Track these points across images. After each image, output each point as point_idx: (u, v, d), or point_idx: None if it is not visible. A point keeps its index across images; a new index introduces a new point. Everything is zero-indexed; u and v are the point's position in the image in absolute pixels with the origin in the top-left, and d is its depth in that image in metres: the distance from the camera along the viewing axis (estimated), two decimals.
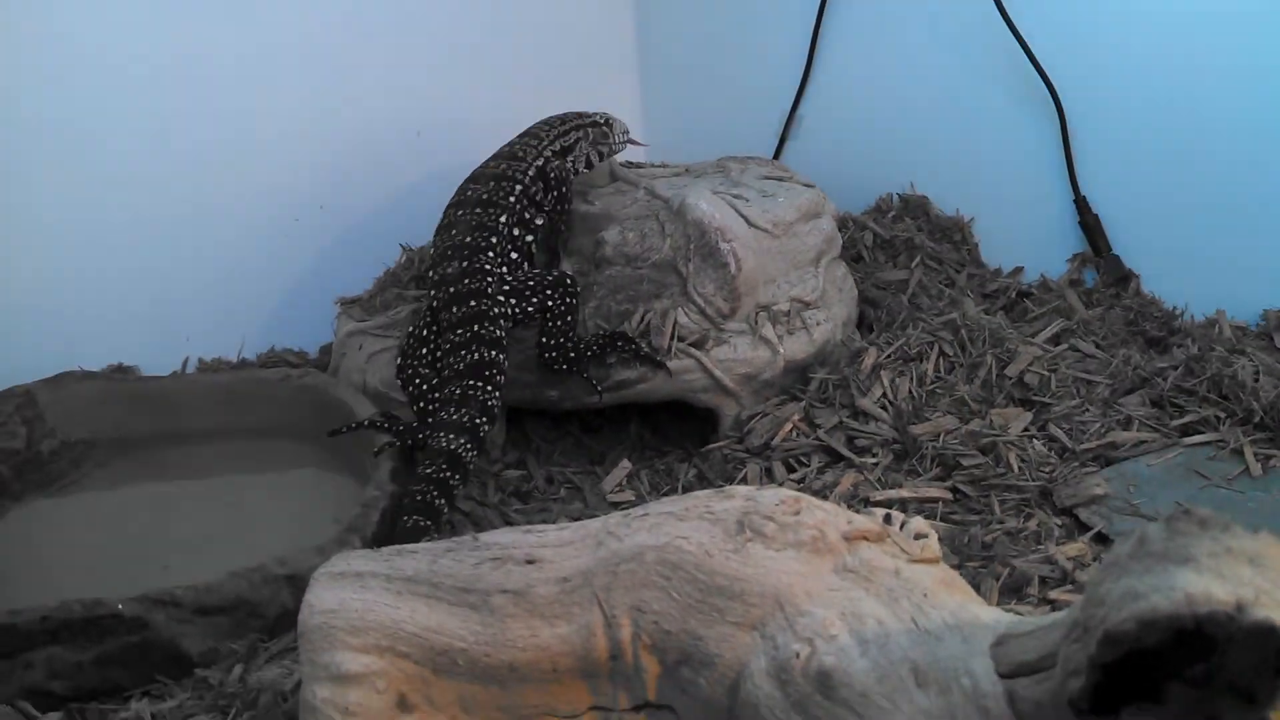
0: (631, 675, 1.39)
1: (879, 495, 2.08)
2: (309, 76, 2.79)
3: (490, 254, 2.31)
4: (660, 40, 3.38)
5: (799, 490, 2.06)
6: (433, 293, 2.32)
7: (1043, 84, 2.60)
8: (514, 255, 2.36)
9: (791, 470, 2.22)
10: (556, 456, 2.44)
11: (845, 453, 2.20)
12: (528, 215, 2.41)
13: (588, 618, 1.40)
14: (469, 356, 2.17)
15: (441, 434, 2.08)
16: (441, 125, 2.88)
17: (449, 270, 2.29)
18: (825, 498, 2.07)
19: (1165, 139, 2.50)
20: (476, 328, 2.20)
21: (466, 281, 2.26)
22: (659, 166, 2.79)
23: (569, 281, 2.30)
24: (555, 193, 2.45)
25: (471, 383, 2.15)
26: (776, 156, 3.12)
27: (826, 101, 3.06)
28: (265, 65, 2.73)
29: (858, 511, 1.57)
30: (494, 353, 2.18)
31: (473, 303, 2.23)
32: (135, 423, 2.47)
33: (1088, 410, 2.24)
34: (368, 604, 1.42)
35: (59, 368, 2.51)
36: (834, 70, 3.02)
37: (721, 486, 1.92)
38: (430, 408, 2.24)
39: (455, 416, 2.11)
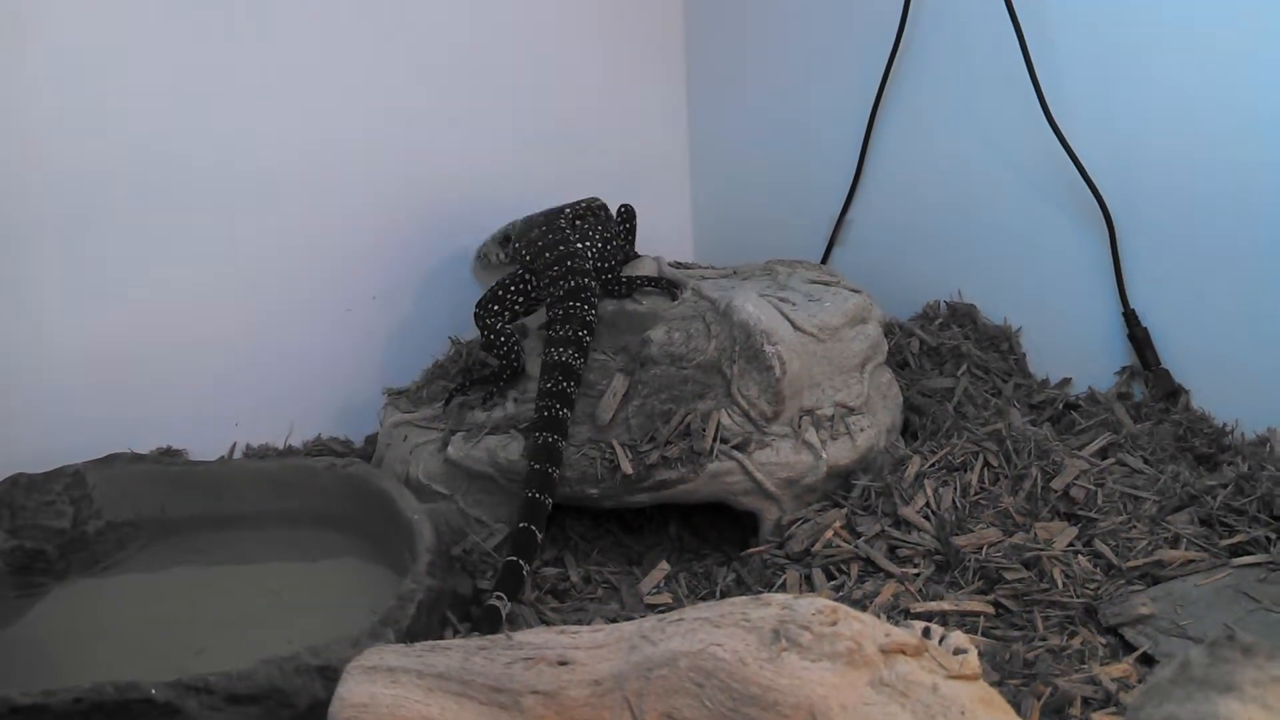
0: None
1: (919, 607, 2.05)
2: (370, 172, 2.86)
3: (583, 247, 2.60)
4: (711, 142, 3.44)
5: (838, 599, 2.04)
6: (525, 256, 2.62)
7: (1092, 196, 2.61)
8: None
9: (831, 578, 2.19)
10: (595, 555, 2.44)
11: (886, 563, 2.18)
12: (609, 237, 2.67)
13: None
14: (566, 284, 2.46)
15: (552, 349, 2.36)
16: (493, 224, 2.93)
17: (549, 255, 2.56)
18: (865, 608, 2.04)
19: (1217, 254, 2.48)
20: (570, 262, 2.51)
21: (561, 247, 2.55)
22: (706, 267, 2.81)
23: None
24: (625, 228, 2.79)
25: (571, 304, 2.43)
26: (824, 261, 3.14)
27: (876, 207, 3.08)
28: (326, 157, 2.80)
29: (897, 623, 1.55)
30: (585, 279, 2.48)
31: (562, 247, 2.54)
32: (180, 506, 2.49)
33: (1135, 527, 2.19)
34: (398, 700, 1.41)
35: (110, 448, 2.54)
36: (884, 176, 3.05)
37: (759, 593, 1.91)
38: (508, 345, 2.51)
39: (561, 332, 2.38)
